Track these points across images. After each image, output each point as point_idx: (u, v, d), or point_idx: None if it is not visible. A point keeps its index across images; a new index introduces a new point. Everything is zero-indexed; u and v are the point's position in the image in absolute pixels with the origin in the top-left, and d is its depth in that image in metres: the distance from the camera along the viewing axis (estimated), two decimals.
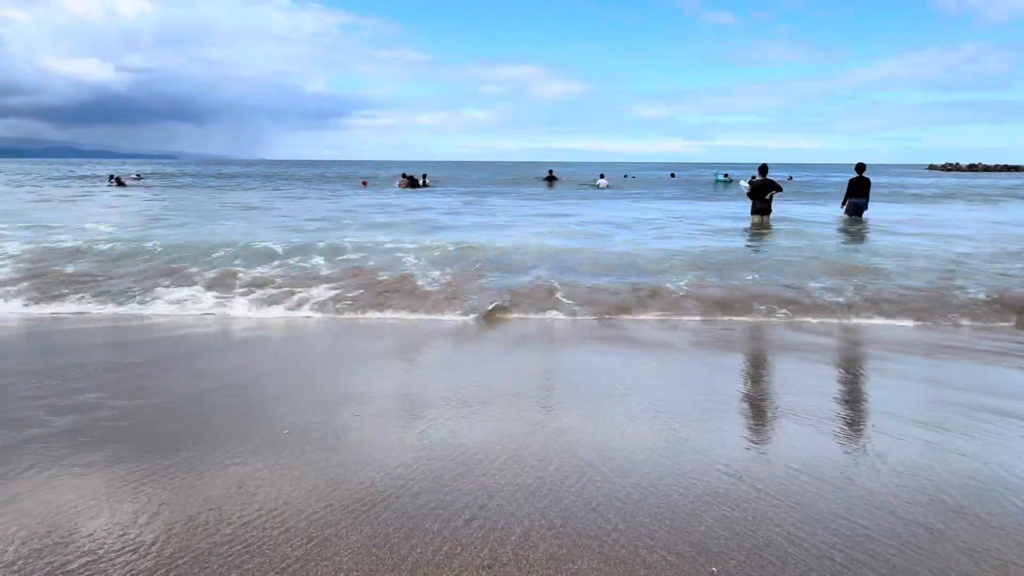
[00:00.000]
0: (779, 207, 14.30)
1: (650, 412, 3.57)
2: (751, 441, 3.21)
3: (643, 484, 2.76)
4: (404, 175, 29.93)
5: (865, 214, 13.47)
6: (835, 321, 6.05)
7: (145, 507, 2.54)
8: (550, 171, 36.22)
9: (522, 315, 6.19)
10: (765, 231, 12.49)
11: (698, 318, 6.13)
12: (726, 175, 37.60)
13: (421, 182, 29.11)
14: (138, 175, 35.29)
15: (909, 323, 5.99)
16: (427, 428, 3.32)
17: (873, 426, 3.41)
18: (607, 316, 6.13)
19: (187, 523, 2.43)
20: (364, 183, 30.86)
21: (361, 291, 6.84)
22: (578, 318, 6.11)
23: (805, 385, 4.12)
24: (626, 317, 6.13)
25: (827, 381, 4.30)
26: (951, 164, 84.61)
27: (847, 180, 13.63)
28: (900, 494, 2.67)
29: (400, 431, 3.29)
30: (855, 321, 6.04)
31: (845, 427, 3.40)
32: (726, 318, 6.14)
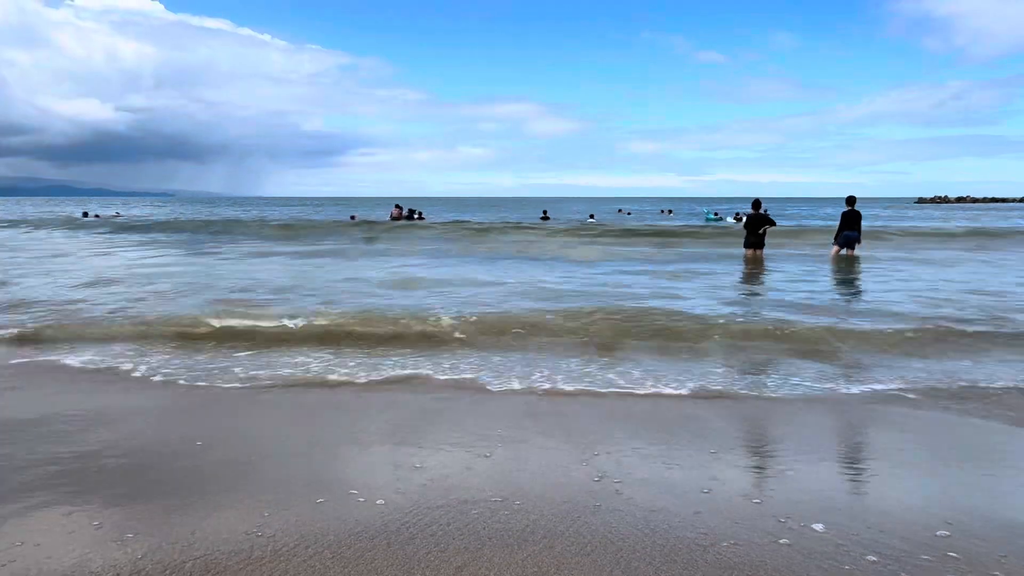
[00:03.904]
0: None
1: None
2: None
3: (638, 524, 2.68)
4: (397, 206, 30.59)
5: (857, 248, 13.51)
6: None
7: (132, 552, 2.45)
8: (544, 211, 36.84)
9: None
10: (757, 268, 12.58)
11: None
12: (716, 213, 37.92)
13: (416, 216, 29.81)
14: (85, 213, 36.35)
15: None
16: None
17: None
18: None
19: (173, 572, 2.34)
20: (353, 217, 30.90)
21: None
22: None
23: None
24: None
25: None
26: (940, 197, 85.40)
27: (839, 213, 13.74)
28: None
29: (393, 473, 3.22)
30: None
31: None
32: None
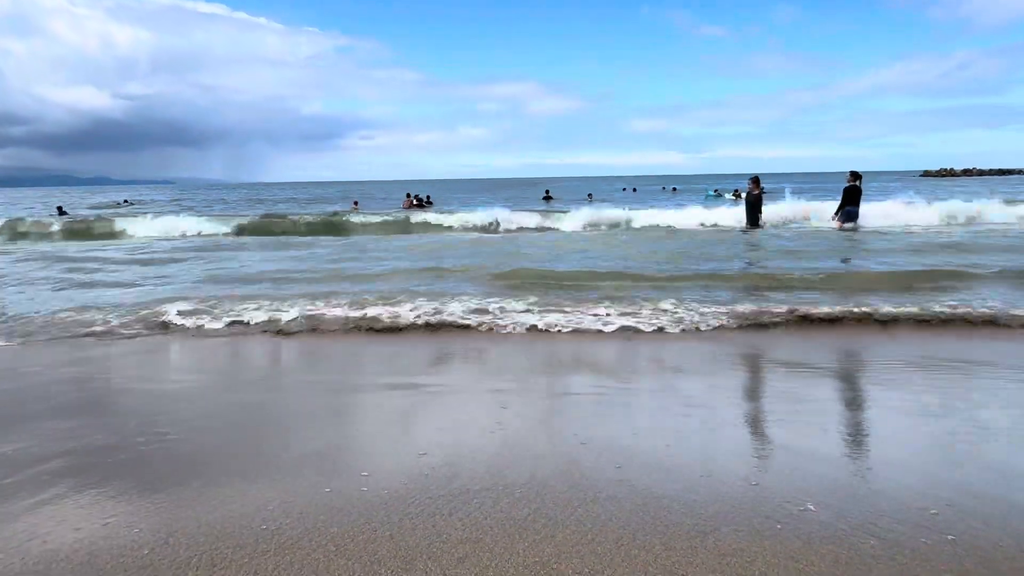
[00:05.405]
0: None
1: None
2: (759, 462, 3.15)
3: (639, 511, 2.69)
4: (408, 194, 30.31)
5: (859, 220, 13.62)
6: None
7: (139, 547, 2.49)
8: (547, 191, 36.82)
9: None
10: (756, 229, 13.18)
11: None
12: (716, 190, 38.02)
13: (426, 200, 29.60)
14: (61, 208, 33.28)
15: None
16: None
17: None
18: None
19: (179, 567, 2.38)
20: (355, 204, 30.05)
21: None
22: None
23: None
24: None
25: None
26: (946, 169, 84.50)
27: (842, 189, 13.77)
28: None
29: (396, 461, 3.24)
30: None
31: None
32: None
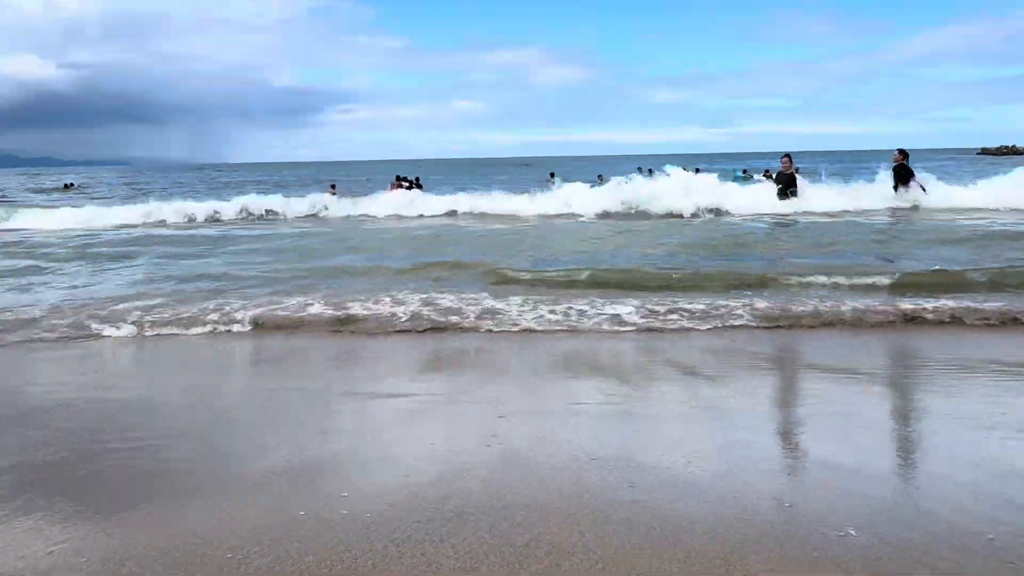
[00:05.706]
0: None
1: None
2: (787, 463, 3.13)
3: (655, 536, 2.67)
4: (397, 176, 30.52)
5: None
6: None
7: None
8: (552, 173, 37.70)
9: None
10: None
11: None
12: (745, 171, 38.19)
13: (415, 182, 29.79)
14: None
15: None
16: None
17: None
18: None
19: None
20: (333, 187, 30.21)
21: None
22: None
23: None
24: None
25: None
26: (1006, 147, 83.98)
27: (891, 168, 15.06)
28: None
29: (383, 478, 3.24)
30: None
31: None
32: None
